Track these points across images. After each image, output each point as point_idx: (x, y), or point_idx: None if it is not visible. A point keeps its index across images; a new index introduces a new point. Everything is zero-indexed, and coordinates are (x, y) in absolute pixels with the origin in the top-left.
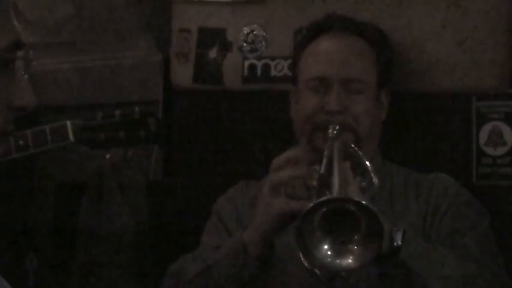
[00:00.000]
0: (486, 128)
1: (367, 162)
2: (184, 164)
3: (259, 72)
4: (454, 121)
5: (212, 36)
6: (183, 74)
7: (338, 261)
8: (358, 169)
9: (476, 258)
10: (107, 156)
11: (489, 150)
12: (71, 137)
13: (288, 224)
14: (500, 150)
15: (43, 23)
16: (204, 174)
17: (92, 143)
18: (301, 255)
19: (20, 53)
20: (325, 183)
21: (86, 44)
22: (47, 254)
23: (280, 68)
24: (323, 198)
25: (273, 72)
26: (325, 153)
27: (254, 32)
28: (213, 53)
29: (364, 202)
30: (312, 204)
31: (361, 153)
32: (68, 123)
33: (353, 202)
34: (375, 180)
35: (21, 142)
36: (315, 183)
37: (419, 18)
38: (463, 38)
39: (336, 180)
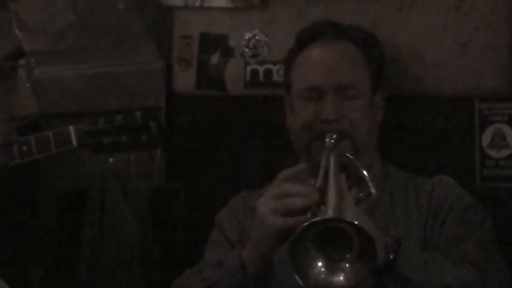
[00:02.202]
0: (489, 131)
1: (365, 172)
2: (187, 169)
3: (261, 77)
4: (457, 124)
5: (214, 42)
6: (185, 80)
7: (331, 278)
8: (355, 179)
9: (478, 264)
10: (110, 160)
11: (492, 153)
12: (74, 142)
13: (285, 240)
14: (504, 153)
15: (45, 30)
16: (207, 180)
17: (95, 148)
18: (294, 273)
19: (21, 62)
20: (321, 196)
21: (88, 52)
22: (52, 262)
23: (282, 72)
24: (315, 219)
25: (275, 77)
26: (322, 164)
27: (256, 37)
28: (215, 59)
29: (356, 223)
30: (304, 225)
31: (357, 163)
32: (71, 128)
33: (346, 222)
34: (373, 190)
35: (24, 148)
36: None
37: (421, 21)
38: (464, 40)
39: (330, 196)
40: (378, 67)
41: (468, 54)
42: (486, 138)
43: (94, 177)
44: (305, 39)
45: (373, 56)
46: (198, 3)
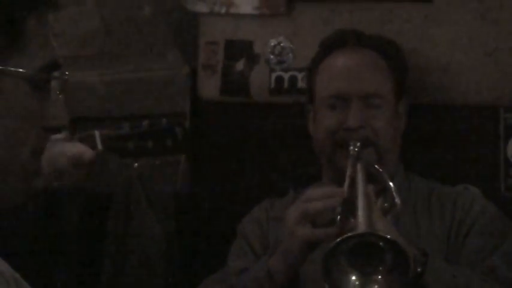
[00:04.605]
0: None
1: (390, 183)
2: (211, 175)
3: (286, 84)
4: (482, 133)
5: (239, 49)
6: (210, 87)
7: None
8: (380, 189)
9: (504, 278)
10: (135, 165)
11: None
12: (99, 146)
13: (313, 251)
14: None
15: (71, 36)
16: (231, 186)
17: (120, 152)
18: None
19: (56, 73)
20: (348, 207)
21: (113, 57)
22: (76, 266)
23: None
24: (349, 234)
25: (300, 84)
26: (348, 173)
27: (281, 44)
28: (240, 65)
29: (389, 237)
30: (337, 240)
31: (384, 173)
32: (96, 132)
33: (379, 237)
34: (397, 200)
35: None
36: (339, 208)
37: (446, 31)
38: (490, 49)
39: (360, 208)
40: (400, 76)
41: (494, 64)
42: (511, 147)
43: (118, 183)
44: (328, 47)
45: (395, 64)
46: (223, 10)
